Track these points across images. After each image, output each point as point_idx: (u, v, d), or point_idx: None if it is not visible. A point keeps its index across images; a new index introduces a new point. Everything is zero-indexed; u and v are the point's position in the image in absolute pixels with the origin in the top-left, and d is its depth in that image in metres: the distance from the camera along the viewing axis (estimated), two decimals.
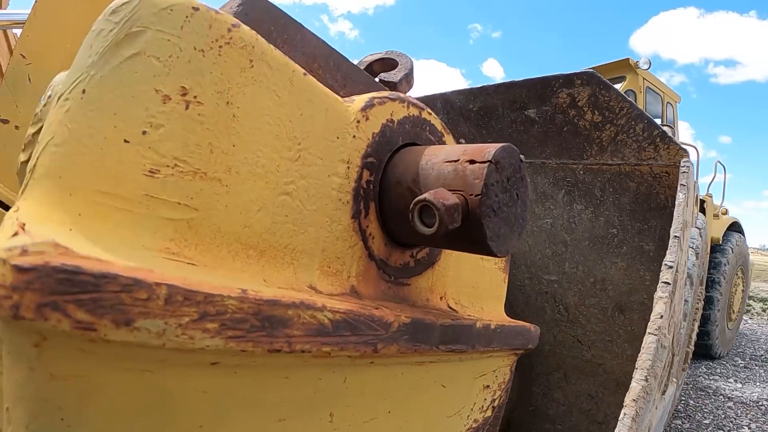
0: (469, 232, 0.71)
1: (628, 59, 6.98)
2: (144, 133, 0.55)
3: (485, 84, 2.01)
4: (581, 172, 1.90)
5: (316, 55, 0.85)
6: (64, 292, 0.41)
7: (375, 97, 0.81)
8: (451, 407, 1.00)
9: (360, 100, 0.79)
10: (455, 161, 0.75)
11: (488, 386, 1.10)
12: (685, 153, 1.51)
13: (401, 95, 0.85)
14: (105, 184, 0.53)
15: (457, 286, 1.05)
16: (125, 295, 0.43)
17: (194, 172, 0.58)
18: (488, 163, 0.71)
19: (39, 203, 0.52)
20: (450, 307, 1.02)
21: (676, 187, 1.53)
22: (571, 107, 1.78)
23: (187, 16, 0.59)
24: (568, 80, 1.73)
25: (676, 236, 1.49)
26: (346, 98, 0.81)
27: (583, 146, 1.83)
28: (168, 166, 0.56)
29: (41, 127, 0.63)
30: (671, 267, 1.43)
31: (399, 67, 1.04)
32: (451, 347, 0.87)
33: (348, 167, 0.77)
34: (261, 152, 0.65)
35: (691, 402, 4.70)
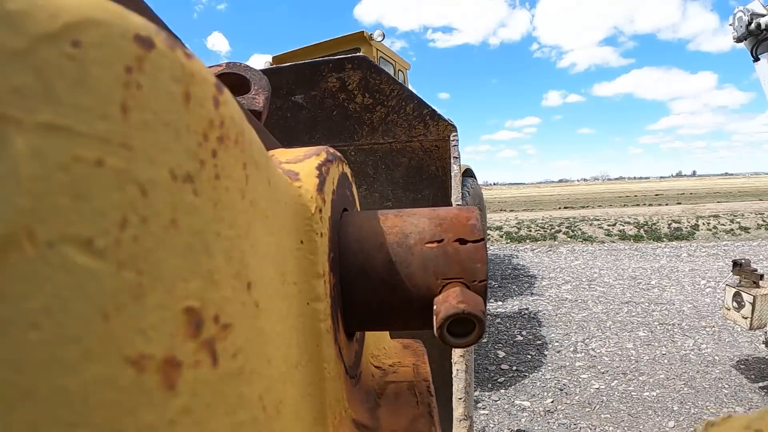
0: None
1: (362, 32, 7.23)
2: None
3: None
4: (353, 152, 1.94)
5: None
6: None
7: (321, 165, 0.55)
8: None
9: (307, 174, 0.52)
10: (439, 242, 0.62)
11: None
12: (453, 128, 1.74)
13: (329, 150, 0.62)
14: None
15: (368, 342, 0.93)
16: None
17: None
18: (482, 242, 0.62)
19: None
20: (375, 366, 0.91)
21: (446, 159, 1.77)
22: (341, 91, 1.74)
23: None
24: (338, 64, 1.67)
25: (458, 204, 1.75)
26: (283, 168, 0.53)
27: (354, 128, 1.86)
28: None
29: None
30: None
31: (255, 88, 0.75)
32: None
33: (324, 281, 0.51)
34: (278, 344, 0.35)
35: None
